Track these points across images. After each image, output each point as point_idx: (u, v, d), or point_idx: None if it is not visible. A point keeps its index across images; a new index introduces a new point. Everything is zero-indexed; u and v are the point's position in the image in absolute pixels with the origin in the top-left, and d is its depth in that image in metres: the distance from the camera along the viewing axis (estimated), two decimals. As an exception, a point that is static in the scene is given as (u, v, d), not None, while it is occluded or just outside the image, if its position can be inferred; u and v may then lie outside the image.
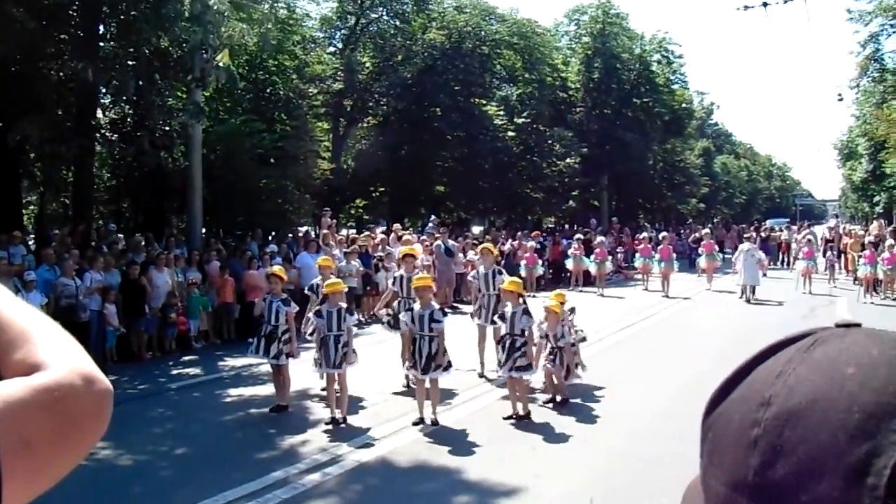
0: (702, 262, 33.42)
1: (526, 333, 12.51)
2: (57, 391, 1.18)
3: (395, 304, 15.74)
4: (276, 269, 14.95)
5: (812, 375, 0.89)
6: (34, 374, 1.20)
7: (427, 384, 12.30)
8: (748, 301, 27.28)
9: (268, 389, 14.43)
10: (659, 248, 31.86)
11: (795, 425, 0.86)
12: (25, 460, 1.13)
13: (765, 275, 29.85)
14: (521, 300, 12.65)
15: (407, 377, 14.14)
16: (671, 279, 30.87)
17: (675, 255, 32.69)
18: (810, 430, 0.85)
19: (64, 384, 1.20)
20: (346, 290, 13.65)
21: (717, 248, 35.39)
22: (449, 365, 12.37)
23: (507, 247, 32.51)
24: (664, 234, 36.43)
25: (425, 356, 12.09)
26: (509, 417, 12.40)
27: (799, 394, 0.88)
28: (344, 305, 12.88)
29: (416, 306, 12.48)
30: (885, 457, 0.80)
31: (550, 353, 13.37)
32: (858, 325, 0.95)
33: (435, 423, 12.19)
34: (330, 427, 12.17)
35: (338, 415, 12.42)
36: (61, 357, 1.25)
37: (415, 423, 12.30)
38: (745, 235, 33.56)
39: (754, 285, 28.01)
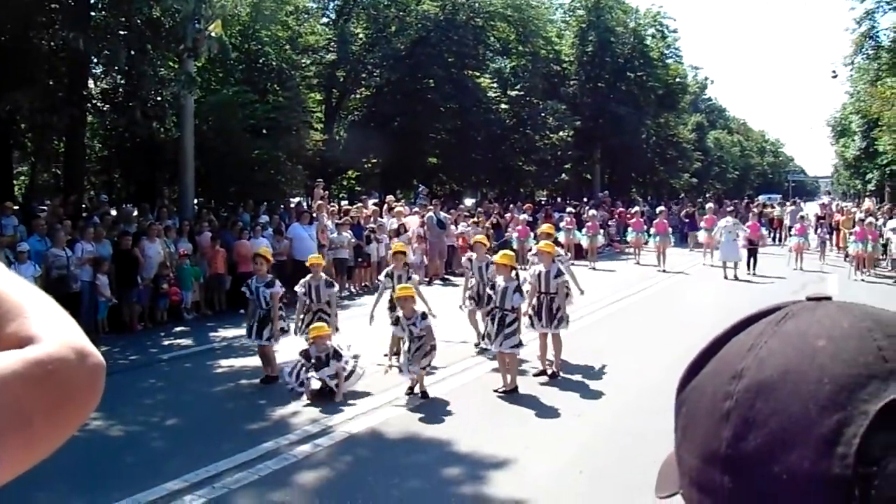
0: (701, 236, 33.40)
1: (515, 309, 12.59)
2: (50, 364, 1.17)
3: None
4: (262, 249, 15.06)
5: (783, 348, 0.90)
6: (27, 347, 1.19)
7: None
8: (735, 278, 27.06)
9: (258, 361, 14.46)
10: (655, 222, 31.92)
11: (767, 397, 0.88)
12: (19, 434, 1.13)
13: (756, 247, 29.72)
14: (513, 274, 12.68)
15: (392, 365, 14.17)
16: (667, 253, 30.89)
17: (670, 229, 32.69)
18: (781, 402, 0.86)
19: (57, 357, 1.19)
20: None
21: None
22: (427, 365, 12.62)
23: (493, 220, 32.59)
24: (661, 208, 36.40)
25: (413, 352, 12.19)
26: (497, 390, 12.46)
27: (770, 366, 0.89)
28: (324, 278, 13.13)
29: (401, 314, 12.59)
30: (855, 426, 0.82)
31: (538, 301, 13.46)
32: (829, 299, 0.96)
33: (425, 395, 12.24)
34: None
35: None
36: (54, 331, 1.23)
37: (407, 393, 12.42)
38: (729, 210, 33.31)
39: (736, 261, 27.85)
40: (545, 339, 13.61)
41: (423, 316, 12.46)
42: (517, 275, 12.97)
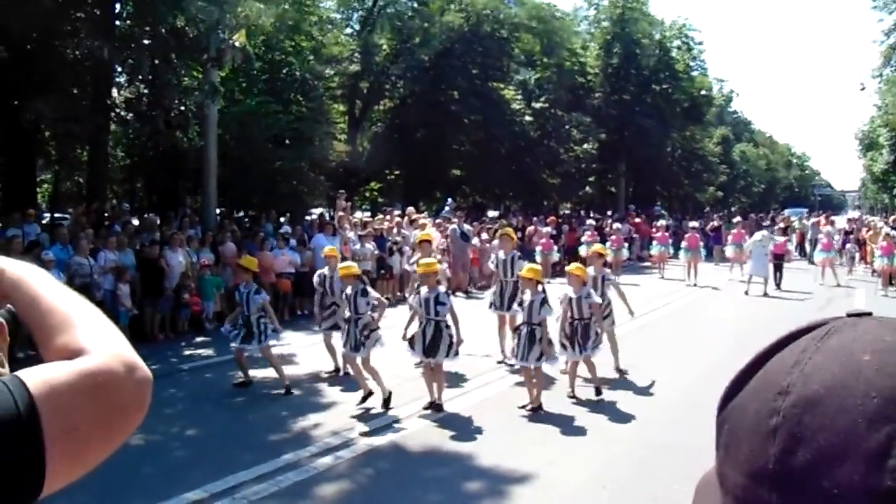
0: (729, 250, 33.26)
1: (543, 323, 12.41)
2: (100, 377, 1.21)
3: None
4: (245, 259, 15.25)
5: (828, 363, 0.89)
6: (77, 359, 1.22)
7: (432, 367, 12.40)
8: (765, 294, 26.85)
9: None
10: (686, 236, 31.86)
11: (814, 413, 0.87)
12: (68, 445, 1.16)
13: (782, 262, 29.56)
14: (539, 288, 12.57)
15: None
16: (698, 268, 30.80)
17: (701, 244, 32.64)
18: (829, 417, 0.85)
19: (106, 370, 1.22)
20: (360, 272, 13.66)
21: (747, 237, 35.27)
22: (455, 352, 12.34)
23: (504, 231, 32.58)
24: (694, 223, 36.39)
25: (428, 339, 12.13)
26: (523, 407, 12.35)
27: (816, 381, 0.88)
28: (360, 287, 13.01)
29: (423, 290, 12.52)
30: None
31: (571, 327, 13.06)
32: (869, 314, 0.96)
33: (439, 408, 12.21)
34: (343, 409, 12.23)
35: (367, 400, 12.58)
36: (103, 343, 1.27)
37: (425, 408, 12.35)
38: (765, 224, 33.21)
39: (765, 277, 27.67)
40: (576, 365, 13.33)
41: (447, 294, 12.58)
42: (544, 288, 12.88)
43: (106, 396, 1.21)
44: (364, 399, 12.53)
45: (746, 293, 26.84)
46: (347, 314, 12.91)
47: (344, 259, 22.96)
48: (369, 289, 13.34)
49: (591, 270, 14.79)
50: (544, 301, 12.43)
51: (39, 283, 1.38)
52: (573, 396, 13.13)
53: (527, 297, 12.50)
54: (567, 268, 13.82)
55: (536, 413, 12.18)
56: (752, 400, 0.94)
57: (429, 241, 16.03)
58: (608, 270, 15.96)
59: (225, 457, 10.10)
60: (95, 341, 1.26)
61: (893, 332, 0.90)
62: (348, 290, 12.98)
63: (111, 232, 19.79)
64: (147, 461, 10.02)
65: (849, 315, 0.97)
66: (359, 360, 12.64)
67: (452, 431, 11.17)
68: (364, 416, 11.90)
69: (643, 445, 10.58)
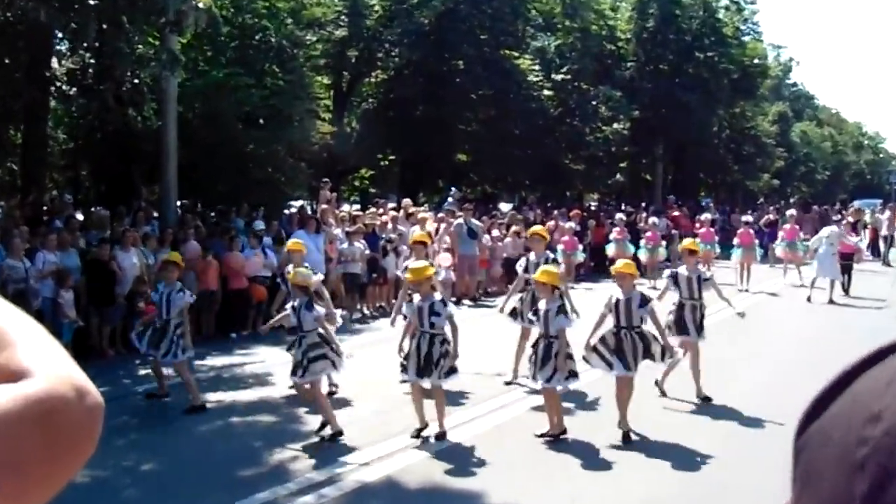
0: (779, 249, 33.22)
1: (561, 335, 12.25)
2: (47, 403, 1.18)
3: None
4: (173, 254, 15.94)
5: None
6: (20, 382, 1.20)
7: (427, 387, 12.44)
8: (830, 301, 26.81)
9: (253, 394, 14.52)
10: (739, 232, 31.85)
11: None
12: (12, 481, 1.14)
13: (851, 264, 29.51)
14: (556, 294, 12.51)
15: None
16: (752, 270, 30.80)
17: (756, 241, 32.62)
18: None
19: (55, 395, 1.20)
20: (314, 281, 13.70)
21: (801, 234, 35.20)
22: (453, 370, 12.36)
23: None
24: (747, 217, 36.38)
25: (423, 356, 12.16)
26: (543, 435, 12.30)
27: None
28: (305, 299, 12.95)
29: (416, 297, 12.56)
30: None
31: (616, 337, 12.58)
32: None
33: (442, 436, 12.23)
34: (326, 440, 12.23)
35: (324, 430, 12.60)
36: (49, 363, 1.24)
37: (414, 436, 12.36)
38: (834, 218, 33.07)
39: (833, 279, 27.62)
40: (627, 384, 12.61)
41: (444, 303, 12.58)
42: (561, 294, 12.82)
43: (54, 425, 1.19)
44: (321, 428, 12.59)
45: (809, 300, 26.77)
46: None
47: (329, 260, 23.15)
48: (317, 304, 13.23)
49: (682, 270, 15.15)
50: (561, 309, 12.41)
51: None
52: (627, 434, 12.41)
53: (542, 305, 12.47)
54: (615, 266, 13.71)
55: (557, 441, 12.17)
56: (836, 426, 0.92)
57: (424, 243, 16.13)
58: (704, 269, 15.94)
59: (187, 496, 10.12)
60: (40, 362, 1.23)
61: None
62: (295, 302, 13.01)
63: (51, 229, 19.74)
64: (94, 502, 10.02)
65: None
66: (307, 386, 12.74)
67: (458, 465, 11.18)
68: (353, 448, 11.89)
69: (684, 483, 10.57)
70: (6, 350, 1.24)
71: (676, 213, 43.13)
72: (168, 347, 14.03)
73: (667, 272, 16.67)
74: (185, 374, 14.31)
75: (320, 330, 12.73)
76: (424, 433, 12.34)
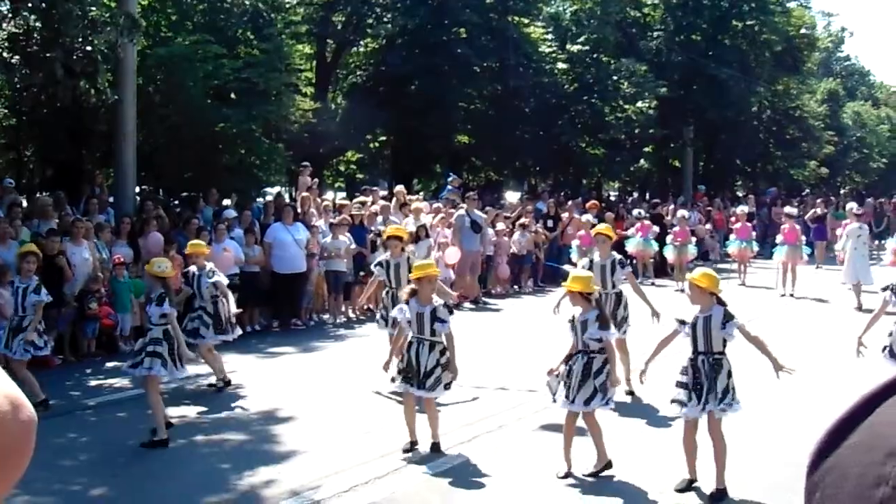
0: (840, 248, 33.18)
1: (603, 343, 11.80)
2: None
3: (384, 295, 16.33)
4: (29, 245, 16.61)
5: None
6: None
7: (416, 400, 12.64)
8: (859, 308, 26.55)
9: (221, 409, 14.53)
10: (783, 228, 31.70)
11: None
12: None
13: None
14: (592, 302, 12.01)
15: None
16: (798, 272, 30.88)
17: (803, 238, 32.55)
18: None
19: None
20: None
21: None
22: (449, 383, 12.56)
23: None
24: (790, 209, 36.27)
25: (423, 367, 12.27)
26: (595, 474, 11.72)
27: None
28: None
29: (413, 302, 12.58)
30: None
31: (692, 365, 11.44)
32: None
33: (436, 447, 12.46)
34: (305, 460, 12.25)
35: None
36: None
37: (406, 450, 12.50)
38: (857, 213, 32.97)
39: (864, 284, 27.43)
40: (693, 428, 11.50)
41: (449, 309, 12.75)
42: (597, 301, 12.51)
43: None
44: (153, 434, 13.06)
45: (860, 308, 26.65)
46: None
47: (311, 255, 23.17)
48: (167, 303, 13.60)
49: (595, 256, 15.80)
50: (600, 318, 11.86)
51: None
52: (688, 484, 11.50)
53: (577, 314, 11.96)
54: (692, 274, 12.24)
55: (600, 476, 11.78)
56: (853, 461, 0.93)
57: (399, 238, 16.68)
58: (621, 258, 16.12)
59: (144, 524, 10.13)
60: None
61: None
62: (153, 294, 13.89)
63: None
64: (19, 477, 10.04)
65: None
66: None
67: (453, 492, 11.19)
68: (335, 470, 11.89)
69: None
70: None
71: (710, 207, 43.23)
72: (18, 344, 15.06)
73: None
74: (23, 372, 14.66)
75: (167, 327, 13.49)
76: (416, 448, 12.50)
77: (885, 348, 13.19)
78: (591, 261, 16.08)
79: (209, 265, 16.84)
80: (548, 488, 11.43)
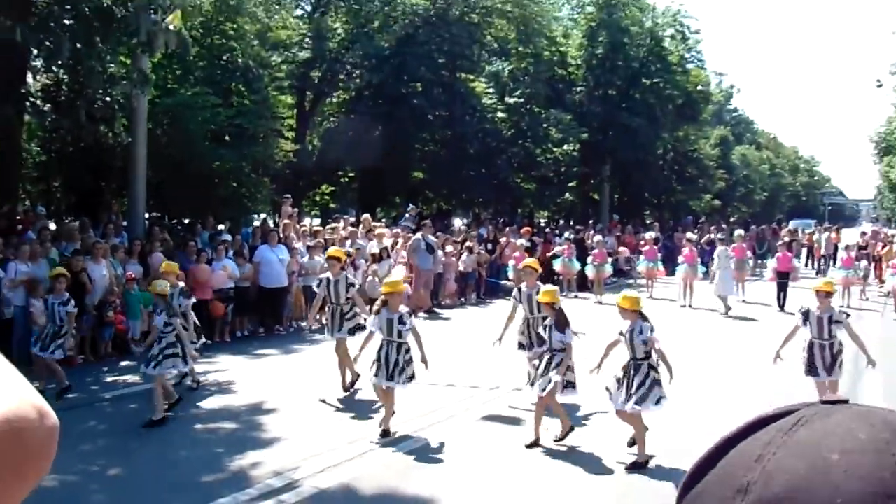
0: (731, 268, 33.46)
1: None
2: (16, 422, 1.21)
3: (326, 309, 16.53)
4: (60, 269, 16.97)
5: (793, 461, 0.90)
6: None
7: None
8: (727, 313, 27.87)
9: (216, 402, 14.51)
10: (684, 251, 32.02)
11: None
12: None
13: (787, 281, 29.83)
14: (640, 315, 11.98)
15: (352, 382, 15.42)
16: (695, 286, 31.00)
17: (699, 259, 32.80)
18: None
19: (21, 416, 1.22)
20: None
21: (749, 252, 35.64)
22: (413, 377, 12.97)
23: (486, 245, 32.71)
24: (690, 235, 36.73)
25: (392, 363, 12.74)
26: (634, 466, 11.65)
27: (779, 482, 0.89)
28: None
29: (384, 311, 13.05)
30: None
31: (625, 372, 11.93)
32: (845, 402, 0.97)
33: (386, 433, 12.65)
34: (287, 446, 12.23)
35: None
36: (12, 387, 1.27)
37: (382, 436, 12.62)
38: (719, 237, 34.07)
39: (727, 294, 28.49)
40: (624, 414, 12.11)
41: (409, 315, 13.30)
42: (560, 310, 12.85)
43: (21, 443, 1.21)
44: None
45: (727, 312, 27.80)
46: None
47: (291, 273, 23.11)
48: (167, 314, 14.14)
49: (523, 286, 15.48)
50: (559, 323, 12.66)
51: None
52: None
53: (549, 321, 12.78)
54: (618, 299, 12.42)
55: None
56: (711, 494, 0.95)
57: (338, 259, 16.62)
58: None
59: (152, 500, 10.08)
60: (4, 384, 1.26)
61: (870, 429, 0.91)
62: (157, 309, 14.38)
63: (23, 239, 19.57)
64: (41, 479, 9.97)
65: (823, 402, 0.98)
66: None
67: (410, 473, 11.19)
68: (311, 455, 11.87)
69: (622, 490, 10.66)
70: None
71: (620, 234, 43.48)
72: (56, 345, 15.64)
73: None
74: (54, 364, 15.63)
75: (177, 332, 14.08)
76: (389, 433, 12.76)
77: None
78: (520, 290, 15.63)
79: (181, 284, 16.41)
80: (490, 467, 11.45)
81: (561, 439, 12.53)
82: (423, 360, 12.98)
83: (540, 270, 16.61)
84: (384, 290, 13.51)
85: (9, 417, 1.20)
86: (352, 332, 15.92)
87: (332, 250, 17.89)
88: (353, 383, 15.71)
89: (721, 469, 0.96)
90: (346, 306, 16.10)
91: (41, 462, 1.27)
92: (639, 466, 11.56)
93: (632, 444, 12.06)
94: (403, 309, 13.22)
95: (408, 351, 12.88)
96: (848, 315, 13.24)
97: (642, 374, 11.70)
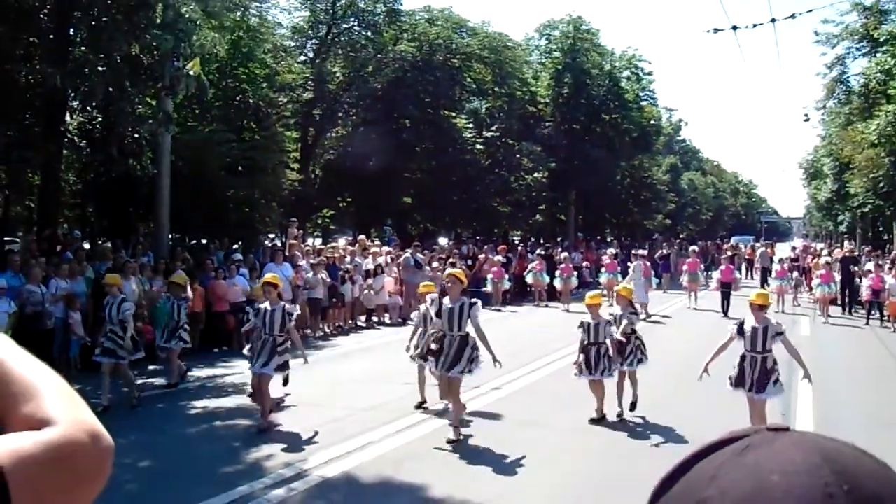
0: (683, 279, 33.55)
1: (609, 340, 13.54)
2: (67, 448, 1.23)
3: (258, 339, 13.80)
4: (111, 277, 16.31)
5: (742, 481, 0.95)
6: (44, 430, 1.24)
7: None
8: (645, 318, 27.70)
9: (233, 401, 14.54)
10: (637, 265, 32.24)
11: None
12: None
13: (730, 290, 29.99)
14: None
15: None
16: (649, 296, 31.02)
17: (652, 272, 32.98)
18: None
19: (73, 441, 1.25)
20: None
21: (702, 265, 35.96)
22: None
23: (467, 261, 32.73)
24: (643, 251, 36.90)
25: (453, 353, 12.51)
26: (450, 442, 12.15)
27: (730, 498, 0.94)
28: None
29: (446, 300, 12.91)
30: None
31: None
32: (787, 430, 1.03)
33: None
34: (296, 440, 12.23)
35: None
36: (69, 413, 1.29)
37: (417, 408, 13.92)
38: (633, 252, 34.53)
39: (641, 301, 28.34)
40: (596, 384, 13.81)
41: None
42: (469, 297, 13.34)
43: (72, 467, 1.24)
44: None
45: (647, 318, 27.38)
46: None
47: (297, 287, 23.10)
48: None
49: (446, 300, 13.05)
50: (464, 307, 12.60)
51: (3, 350, 1.38)
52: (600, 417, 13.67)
53: (446, 302, 12.80)
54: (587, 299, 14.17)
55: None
56: None
57: (275, 286, 13.87)
58: (472, 300, 13.22)
59: (178, 489, 10.08)
60: (61, 411, 1.28)
61: (805, 452, 0.96)
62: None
63: (63, 259, 19.60)
64: (101, 492, 9.95)
65: (768, 429, 1.03)
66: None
67: (405, 463, 11.18)
68: (317, 448, 11.88)
69: (593, 475, 10.69)
70: (33, 401, 1.29)
71: (583, 250, 43.73)
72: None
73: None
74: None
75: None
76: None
77: (729, 378, 11.90)
78: (441, 304, 12.89)
79: (121, 295, 15.45)
80: (474, 457, 11.46)
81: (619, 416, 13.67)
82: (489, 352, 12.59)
83: (465, 282, 13.94)
84: (422, 290, 14.35)
85: (59, 443, 1.23)
86: (280, 368, 13.37)
87: (268, 276, 15.13)
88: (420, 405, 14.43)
89: (682, 486, 1.01)
90: (279, 338, 13.26)
91: (93, 484, 1.29)
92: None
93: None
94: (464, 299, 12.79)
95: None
96: (781, 332, 11.74)
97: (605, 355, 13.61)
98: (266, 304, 13.49)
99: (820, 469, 0.94)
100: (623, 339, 13.82)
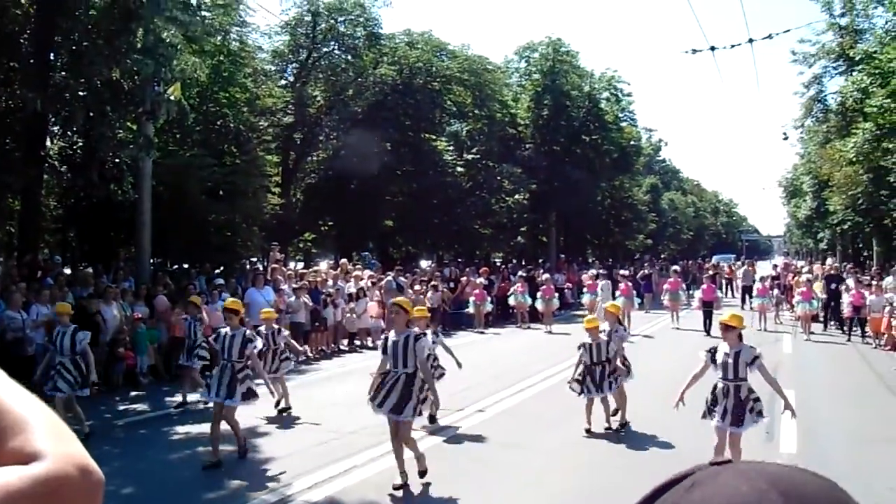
0: (666, 299, 33.74)
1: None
2: (55, 483, 1.20)
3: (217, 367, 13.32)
4: (61, 305, 15.67)
5: None
6: (32, 465, 1.22)
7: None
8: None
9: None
10: (619, 285, 32.34)
11: None
12: None
13: (712, 309, 30.10)
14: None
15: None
16: (631, 315, 31.20)
17: (634, 292, 33.12)
18: None
19: (61, 476, 1.22)
20: None
21: (684, 285, 36.12)
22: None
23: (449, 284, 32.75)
24: (623, 271, 37.08)
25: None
26: (397, 488, 11.02)
27: None
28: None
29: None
30: None
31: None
32: (729, 462, 1.06)
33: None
34: (281, 466, 12.17)
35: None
36: (58, 447, 1.26)
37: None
38: (619, 273, 35.07)
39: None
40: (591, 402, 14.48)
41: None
42: (427, 324, 14.30)
43: (60, 502, 1.21)
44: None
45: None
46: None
47: (279, 311, 23.05)
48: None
49: (391, 334, 11.56)
50: (419, 338, 11.30)
51: None
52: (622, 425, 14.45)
53: (605, 326, 14.87)
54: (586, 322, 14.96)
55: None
56: None
57: (236, 312, 13.26)
58: (421, 332, 12.03)
59: (162, 515, 10.03)
60: (50, 445, 1.25)
61: (750, 481, 0.99)
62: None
63: (44, 285, 19.54)
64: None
65: (711, 464, 1.07)
66: None
67: (386, 486, 11.13)
68: (301, 472, 11.82)
69: (579, 492, 10.68)
70: (21, 434, 1.26)
71: (575, 273, 43.92)
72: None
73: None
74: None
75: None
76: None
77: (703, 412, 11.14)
78: (386, 338, 11.53)
79: (73, 326, 14.78)
80: (461, 477, 11.42)
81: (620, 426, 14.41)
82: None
83: (411, 312, 11.99)
84: (416, 314, 13.33)
85: (47, 479, 1.20)
86: (245, 397, 12.69)
87: (229, 301, 14.39)
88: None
89: None
90: (237, 364, 12.72)
91: None
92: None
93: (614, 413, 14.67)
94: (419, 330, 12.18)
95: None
96: (757, 358, 10.78)
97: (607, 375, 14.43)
98: (227, 329, 12.99)
99: (767, 493, 0.96)
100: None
